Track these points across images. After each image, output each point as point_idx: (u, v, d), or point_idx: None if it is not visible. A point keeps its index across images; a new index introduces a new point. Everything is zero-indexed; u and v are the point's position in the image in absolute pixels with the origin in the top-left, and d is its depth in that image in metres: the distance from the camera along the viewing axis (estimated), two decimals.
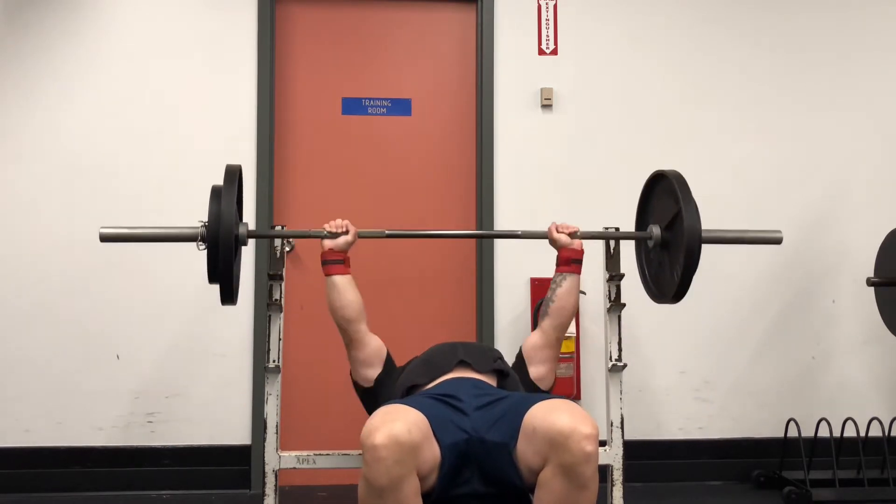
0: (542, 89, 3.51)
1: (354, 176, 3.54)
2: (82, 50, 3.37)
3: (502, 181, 3.50)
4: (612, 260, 2.57)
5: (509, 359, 2.45)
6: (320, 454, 2.41)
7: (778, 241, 2.47)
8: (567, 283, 2.42)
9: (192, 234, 2.26)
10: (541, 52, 3.54)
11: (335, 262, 2.34)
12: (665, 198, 2.41)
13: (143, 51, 3.40)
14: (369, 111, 3.56)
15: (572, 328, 3.14)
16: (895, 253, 3.22)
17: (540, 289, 3.40)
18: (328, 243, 2.36)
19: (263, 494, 2.40)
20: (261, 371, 2.88)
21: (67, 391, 3.29)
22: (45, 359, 3.29)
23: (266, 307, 2.49)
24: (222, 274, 2.14)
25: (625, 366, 2.55)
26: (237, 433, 3.35)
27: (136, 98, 3.38)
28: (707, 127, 3.58)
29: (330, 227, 2.37)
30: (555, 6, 3.55)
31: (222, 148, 3.39)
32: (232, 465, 3.33)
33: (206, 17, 3.43)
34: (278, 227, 2.49)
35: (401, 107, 3.57)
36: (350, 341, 2.35)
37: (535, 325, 3.34)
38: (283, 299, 2.46)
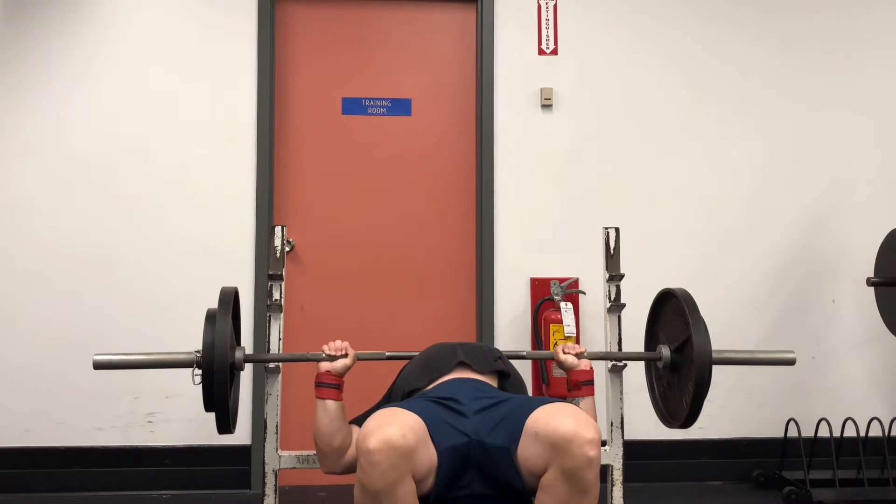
0: (542, 89, 3.51)
1: (354, 176, 3.54)
2: (82, 49, 3.37)
3: (502, 181, 3.50)
4: (613, 260, 2.56)
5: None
6: None
7: (791, 363, 2.37)
8: (582, 408, 2.23)
9: (187, 360, 2.20)
10: (541, 52, 3.54)
11: (330, 386, 2.20)
12: (674, 318, 2.35)
13: (143, 50, 3.40)
14: (369, 111, 3.56)
15: (572, 328, 3.13)
16: (895, 253, 3.21)
17: (540, 289, 3.40)
18: (325, 366, 2.23)
19: (263, 494, 2.41)
20: (261, 371, 2.88)
21: (67, 391, 3.29)
22: (45, 358, 3.29)
23: (266, 307, 2.49)
24: (218, 404, 2.10)
25: (625, 366, 2.55)
26: (237, 433, 3.32)
27: (136, 97, 3.38)
28: (707, 126, 3.58)
29: (329, 349, 2.25)
30: (555, 6, 3.55)
31: (222, 147, 3.40)
32: (232, 465, 3.33)
33: (206, 16, 3.43)
34: (274, 350, 2.44)
35: (401, 107, 3.57)
36: (332, 466, 2.21)
37: (535, 326, 3.34)
38: (283, 299, 2.46)
